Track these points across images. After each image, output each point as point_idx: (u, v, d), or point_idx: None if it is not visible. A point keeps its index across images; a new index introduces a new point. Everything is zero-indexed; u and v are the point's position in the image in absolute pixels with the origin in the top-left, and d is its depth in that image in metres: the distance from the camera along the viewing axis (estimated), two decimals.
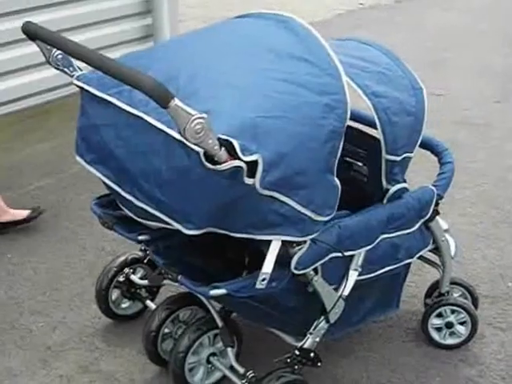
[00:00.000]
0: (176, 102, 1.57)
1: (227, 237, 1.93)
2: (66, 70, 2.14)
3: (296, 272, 2.01)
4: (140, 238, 2.18)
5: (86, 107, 2.01)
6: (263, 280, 1.92)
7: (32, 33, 1.93)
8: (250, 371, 2.20)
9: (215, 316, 2.28)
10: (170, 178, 1.79)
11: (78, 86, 2.05)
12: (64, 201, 3.70)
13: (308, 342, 2.23)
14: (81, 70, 2.14)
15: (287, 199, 1.85)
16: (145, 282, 2.58)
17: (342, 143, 1.94)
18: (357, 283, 2.25)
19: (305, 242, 1.98)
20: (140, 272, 2.68)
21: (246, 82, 1.87)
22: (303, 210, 1.89)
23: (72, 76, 2.10)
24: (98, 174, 2.01)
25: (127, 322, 2.77)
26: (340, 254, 2.09)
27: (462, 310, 2.59)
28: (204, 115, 1.61)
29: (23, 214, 3.39)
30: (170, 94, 1.56)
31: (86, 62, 1.72)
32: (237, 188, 1.76)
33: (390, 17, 7.63)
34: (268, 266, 1.90)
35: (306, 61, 1.93)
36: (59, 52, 2.09)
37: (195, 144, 1.64)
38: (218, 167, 1.70)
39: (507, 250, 3.33)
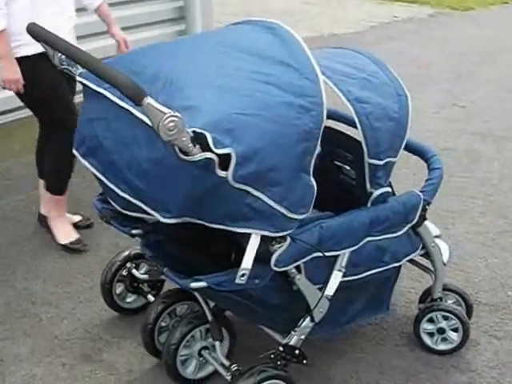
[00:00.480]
0: (149, 100, 1.65)
1: (214, 232, 2.00)
2: (70, 68, 2.24)
3: (276, 269, 2.06)
4: (133, 231, 2.26)
5: (85, 103, 2.11)
6: (242, 276, 1.97)
7: (36, 34, 2.04)
8: (234, 365, 2.26)
9: (206, 310, 2.34)
10: (148, 168, 1.87)
11: (80, 82, 2.15)
12: (83, 200, 3.82)
13: (293, 340, 2.27)
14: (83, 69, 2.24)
15: (260, 194, 1.90)
16: (146, 276, 2.66)
17: (318, 144, 1.99)
18: (344, 284, 2.29)
19: (284, 239, 2.03)
20: (145, 267, 2.74)
21: (227, 82, 1.94)
22: (276, 206, 1.94)
23: (75, 74, 2.20)
24: (88, 166, 2.08)
25: (132, 315, 2.85)
26: (321, 254, 2.13)
27: (453, 317, 2.59)
28: (177, 114, 1.69)
29: (74, 219, 3.53)
30: (143, 93, 1.65)
31: (75, 60, 1.84)
32: (210, 179, 1.83)
33: (422, 30, 7.63)
34: (247, 261, 1.95)
35: (287, 65, 2.00)
36: None
37: (168, 141, 1.71)
38: (191, 158, 1.77)
39: (511, 260, 3.32)
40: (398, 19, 8.12)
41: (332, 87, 2.15)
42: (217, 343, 2.33)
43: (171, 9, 5.47)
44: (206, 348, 2.42)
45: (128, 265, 2.70)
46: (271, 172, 1.89)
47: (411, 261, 2.73)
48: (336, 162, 2.54)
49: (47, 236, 3.45)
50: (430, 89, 5.72)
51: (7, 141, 4.29)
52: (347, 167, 2.51)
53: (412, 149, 2.65)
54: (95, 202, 2.37)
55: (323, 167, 2.62)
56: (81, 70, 2.15)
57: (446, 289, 2.69)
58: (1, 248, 3.38)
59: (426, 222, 2.48)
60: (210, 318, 2.34)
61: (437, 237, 2.57)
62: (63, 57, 2.20)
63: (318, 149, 2.65)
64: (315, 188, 2.01)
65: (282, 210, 1.95)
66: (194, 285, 2.00)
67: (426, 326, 2.65)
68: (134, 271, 2.68)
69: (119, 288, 2.78)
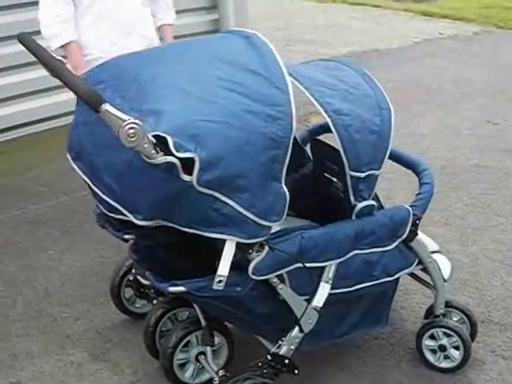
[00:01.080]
0: (107, 107, 1.69)
1: (198, 238, 2.01)
2: None
3: (254, 278, 2.06)
4: (125, 236, 2.28)
5: (76, 107, 2.15)
6: (220, 282, 1.96)
7: (24, 43, 2.08)
8: (222, 370, 2.26)
9: (200, 316, 2.35)
10: (121, 170, 1.91)
11: None
12: None
13: (283, 350, 2.27)
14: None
15: (228, 200, 1.90)
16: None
17: (288, 153, 1.97)
18: (335, 297, 2.28)
19: (263, 248, 2.04)
20: None
21: (196, 88, 1.96)
22: (245, 213, 1.93)
23: None
24: (77, 169, 2.12)
25: (143, 319, 2.87)
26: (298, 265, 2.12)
27: (453, 334, 2.53)
28: (137, 121, 1.72)
29: None
30: (100, 100, 1.69)
31: (45, 67, 1.91)
32: (175, 182, 1.84)
33: (465, 47, 7.48)
34: (222, 268, 1.95)
35: (258, 74, 2.01)
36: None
37: (131, 148, 1.74)
38: (154, 161, 1.79)
39: None
40: (443, 36, 7.98)
41: (309, 97, 2.15)
42: (208, 348, 2.35)
43: None
44: (202, 353, 2.42)
45: (134, 270, 2.74)
46: (238, 178, 1.90)
47: (413, 276, 2.70)
48: (326, 174, 2.54)
49: (71, 241, 3.53)
50: (466, 105, 5.62)
51: (41, 148, 4.42)
52: (335, 179, 2.49)
53: (404, 162, 2.63)
54: (93, 207, 2.41)
55: (315, 179, 2.63)
56: None
57: (449, 305, 2.63)
58: (27, 251, 3.49)
59: (422, 237, 2.44)
60: (203, 323, 2.35)
61: (435, 252, 2.52)
62: None
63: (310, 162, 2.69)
64: (287, 196, 2.00)
65: (252, 217, 1.94)
66: (172, 289, 2.03)
67: (428, 342, 2.60)
68: (139, 277, 2.71)
69: (128, 292, 2.82)
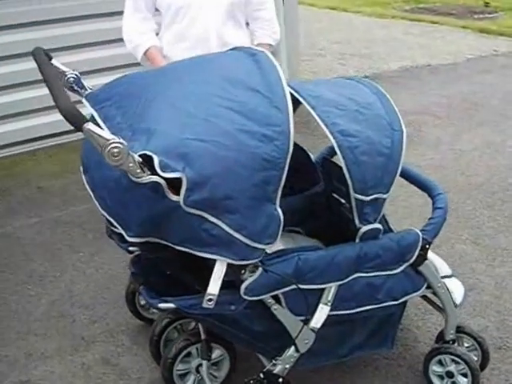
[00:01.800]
0: (89, 126, 1.63)
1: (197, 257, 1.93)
2: (78, 90, 2.27)
3: (246, 298, 1.97)
4: (130, 248, 2.22)
5: None
6: (210, 300, 1.87)
7: (35, 57, 2.07)
8: None
9: (200, 329, 2.28)
10: (112, 187, 1.84)
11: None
12: None
13: (277, 368, 2.16)
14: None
15: (218, 221, 1.81)
16: None
17: (283, 174, 1.85)
18: (336, 318, 2.15)
19: (256, 268, 1.93)
20: None
21: (191, 106, 1.87)
22: (235, 234, 1.83)
23: (83, 96, 2.19)
24: (85, 182, 2.07)
25: None
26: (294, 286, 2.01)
27: (460, 361, 2.36)
28: (122, 141, 1.65)
29: None
30: (82, 119, 1.62)
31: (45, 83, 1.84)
32: (162, 202, 1.77)
33: None
34: (212, 287, 1.86)
35: (259, 93, 1.90)
36: (71, 75, 2.24)
37: (115, 166, 1.67)
38: (139, 180, 1.72)
39: None
40: (498, 53, 7.64)
41: (315, 118, 2.02)
42: (204, 363, 2.27)
43: None
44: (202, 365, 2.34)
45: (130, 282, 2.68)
46: (227, 199, 1.79)
47: (425, 298, 2.53)
48: (334, 195, 2.40)
49: (102, 244, 3.51)
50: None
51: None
52: (343, 200, 2.35)
53: (419, 184, 2.46)
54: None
55: (327, 198, 2.51)
56: (87, 92, 2.17)
57: (461, 331, 2.45)
58: (60, 251, 3.50)
59: (434, 260, 2.29)
60: (203, 336, 2.27)
61: (447, 277, 2.35)
62: (71, 79, 2.24)
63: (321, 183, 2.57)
64: (281, 218, 1.88)
65: (242, 239, 1.83)
66: (161, 305, 1.96)
67: (435, 368, 2.43)
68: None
69: (143, 299, 2.76)
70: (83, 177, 2.08)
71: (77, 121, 1.62)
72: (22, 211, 3.99)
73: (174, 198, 1.75)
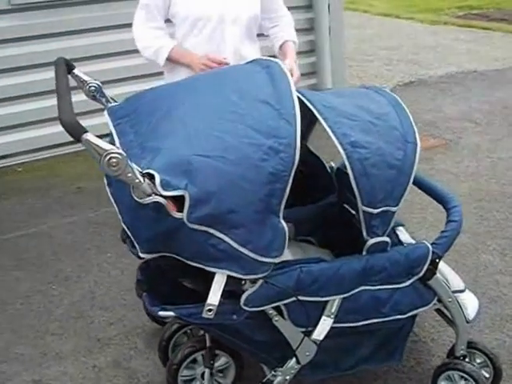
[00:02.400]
0: (88, 136, 1.57)
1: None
2: (100, 100, 2.24)
3: (246, 309, 1.89)
4: (141, 254, 2.18)
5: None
6: (209, 310, 1.82)
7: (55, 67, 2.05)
8: None
9: (206, 336, 2.21)
10: (127, 202, 1.79)
11: None
12: None
13: (277, 379, 2.07)
14: (115, 101, 2.21)
15: (223, 236, 1.76)
16: None
17: (288, 187, 1.78)
18: (341, 330, 2.05)
19: (255, 280, 1.86)
20: None
21: (200, 122, 1.83)
22: (241, 249, 1.77)
23: (105, 107, 2.18)
24: (109, 195, 2.02)
25: None
26: (300, 298, 1.91)
27: (469, 378, 2.21)
28: (120, 151, 1.60)
29: None
30: (81, 130, 1.57)
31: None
32: (166, 220, 1.73)
33: None
34: (212, 298, 1.81)
35: (269, 105, 1.83)
36: (92, 85, 2.21)
37: (114, 176, 1.63)
38: (141, 201, 1.68)
39: None
40: None
41: (326, 128, 1.91)
42: (206, 370, 2.21)
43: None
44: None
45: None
46: (232, 214, 1.73)
47: (438, 311, 2.39)
48: (345, 205, 2.29)
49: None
50: None
51: None
52: (353, 211, 2.23)
53: (435, 195, 2.31)
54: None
55: (341, 208, 2.40)
56: (109, 105, 2.13)
57: (473, 347, 2.30)
58: (88, 251, 3.49)
59: (447, 275, 2.15)
60: (208, 343, 2.20)
61: (460, 291, 2.20)
62: (92, 88, 2.22)
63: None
64: (286, 230, 1.81)
65: (248, 253, 1.78)
66: (161, 313, 1.91)
67: (444, 383, 2.28)
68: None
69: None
70: (107, 189, 2.05)
71: (76, 132, 1.57)
72: (58, 210, 4.03)
73: (178, 215, 1.71)
